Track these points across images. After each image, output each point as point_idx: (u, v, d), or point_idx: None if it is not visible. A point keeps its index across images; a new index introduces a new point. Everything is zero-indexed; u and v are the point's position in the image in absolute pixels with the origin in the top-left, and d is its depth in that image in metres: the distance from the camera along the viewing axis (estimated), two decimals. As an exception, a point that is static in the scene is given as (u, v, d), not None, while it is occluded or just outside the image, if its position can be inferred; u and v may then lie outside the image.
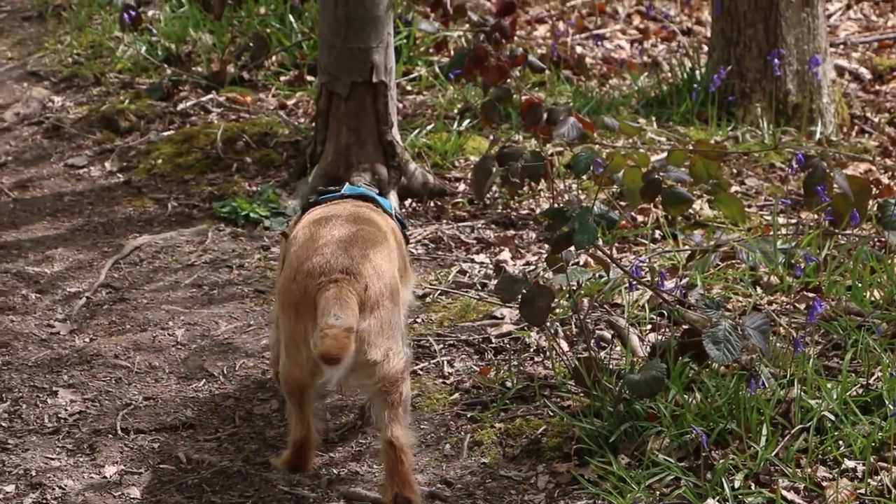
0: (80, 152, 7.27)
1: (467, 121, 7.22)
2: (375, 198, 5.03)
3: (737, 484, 4.32)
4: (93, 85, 7.92)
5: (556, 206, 5.67)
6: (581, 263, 5.71)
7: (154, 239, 6.36)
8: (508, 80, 7.04)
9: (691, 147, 6.18)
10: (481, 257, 6.14)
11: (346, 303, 4.40)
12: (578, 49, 8.39)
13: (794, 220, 6.14)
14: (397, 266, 4.72)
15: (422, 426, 4.89)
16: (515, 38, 7.94)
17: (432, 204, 6.64)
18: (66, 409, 5.02)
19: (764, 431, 4.43)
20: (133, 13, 8.10)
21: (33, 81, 8.01)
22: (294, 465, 4.71)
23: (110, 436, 4.85)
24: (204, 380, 5.24)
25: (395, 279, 4.64)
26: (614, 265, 5.19)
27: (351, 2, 6.46)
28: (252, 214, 6.51)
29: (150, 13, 8.46)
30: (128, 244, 6.32)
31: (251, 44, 7.91)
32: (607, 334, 5.27)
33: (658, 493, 4.32)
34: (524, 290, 4.77)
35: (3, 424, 4.92)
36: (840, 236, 5.65)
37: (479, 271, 6.00)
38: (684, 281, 5.42)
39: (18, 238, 6.42)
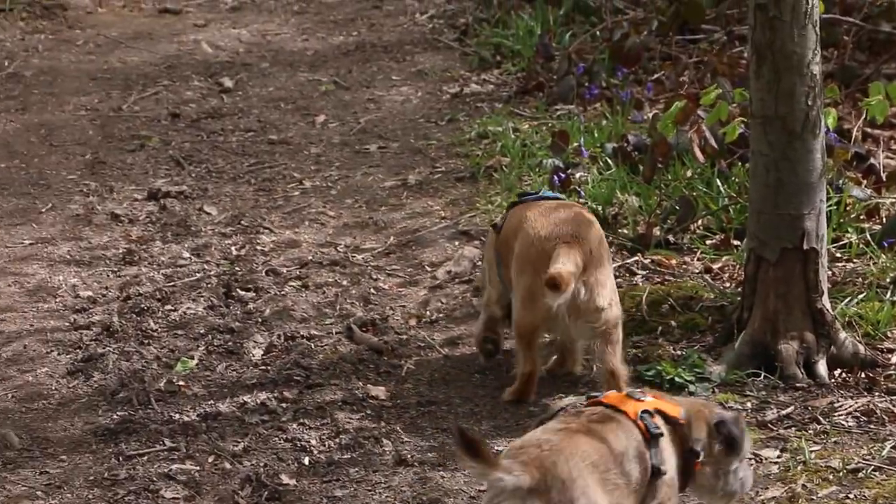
0: (508, 313, 7.43)
1: (901, 290, 7.01)
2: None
3: None
4: (521, 245, 8.09)
5: None
6: None
7: (579, 400, 6.38)
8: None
9: None
10: (917, 433, 5.92)
11: (573, 256, 6.00)
12: None
13: None
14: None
15: None
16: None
17: (863, 375, 6.45)
18: None
19: None
20: (563, 175, 8.29)
21: (464, 240, 8.26)
22: (520, 395, 6.34)
23: None
24: None
25: (608, 248, 6.37)
26: None
27: (783, 168, 6.42)
28: (677, 379, 6.47)
29: (578, 175, 8.64)
30: (554, 406, 6.37)
31: (677, 207, 7.95)
32: None
33: None
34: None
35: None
36: None
37: (915, 448, 5.78)
38: None
39: (448, 395, 6.59)
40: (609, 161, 8.62)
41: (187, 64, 11.90)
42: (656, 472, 4.69)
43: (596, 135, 9.23)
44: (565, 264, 5.96)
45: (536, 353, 6.34)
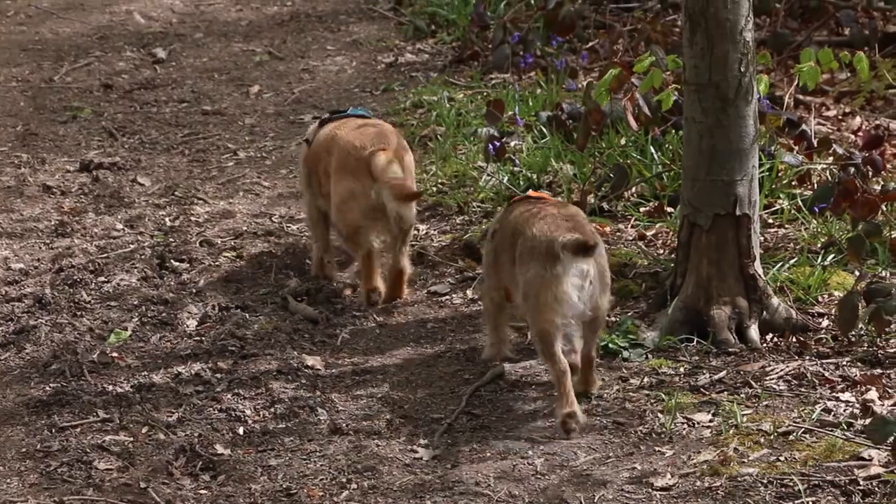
0: (443, 280, 7.43)
1: (831, 255, 7.06)
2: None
3: None
4: (456, 214, 8.11)
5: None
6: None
7: (514, 367, 6.43)
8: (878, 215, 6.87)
9: None
10: (846, 395, 5.97)
11: (395, 163, 7.00)
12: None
13: None
14: None
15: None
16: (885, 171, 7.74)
17: (794, 339, 6.50)
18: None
19: None
20: (497, 144, 8.29)
21: (399, 209, 8.24)
22: (367, 276, 7.10)
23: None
24: (563, 511, 5.25)
25: (412, 159, 7.28)
26: None
27: (716, 134, 6.44)
28: (611, 345, 6.50)
29: (512, 143, 8.64)
30: (489, 372, 6.40)
31: (612, 174, 7.97)
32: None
33: None
34: (897, 434, 4.60)
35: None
36: None
37: (844, 410, 5.83)
38: None
39: (384, 363, 6.60)
40: (544, 129, 8.63)
41: (120, 35, 11.80)
42: None
43: (531, 104, 9.24)
44: (396, 172, 6.98)
45: (367, 241, 7.07)
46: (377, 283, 7.14)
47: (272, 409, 6.15)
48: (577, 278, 5.89)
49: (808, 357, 6.33)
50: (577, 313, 5.91)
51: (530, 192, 6.64)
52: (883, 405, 5.79)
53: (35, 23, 12.11)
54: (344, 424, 6.01)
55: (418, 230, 7.85)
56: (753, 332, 6.50)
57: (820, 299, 6.80)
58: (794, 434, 5.68)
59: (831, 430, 5.64)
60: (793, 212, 7.59)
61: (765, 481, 5.37)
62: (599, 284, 5.99)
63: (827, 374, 6.16)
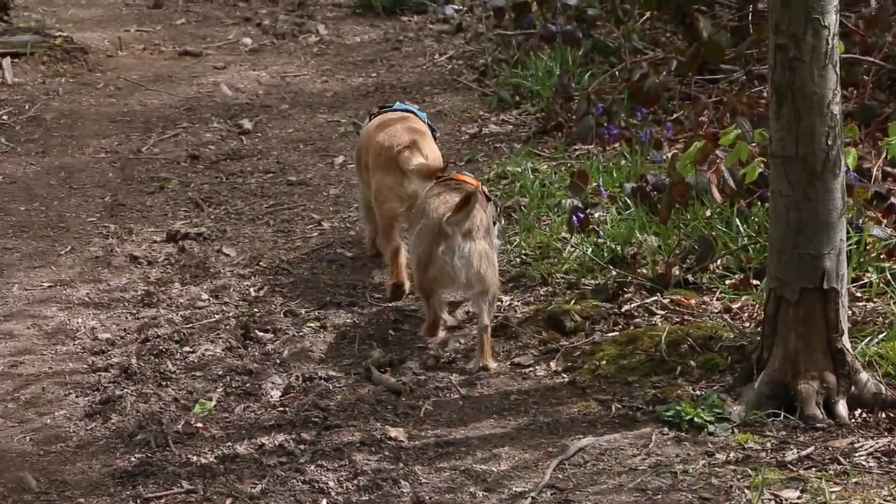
0: (527, 351, 7.41)
1: (922, 329, 6.97)
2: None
3: None
4: (539, 285, 8.09)
5: None
6: None
7: (598, 441, 6.38)
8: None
9: None
10: (939, 474, 5.87)
11: (416, 153, 8.13)
12: None
13: None
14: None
15: None
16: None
17: (884, 415, 6.41)
18: None
19: None
20: (581, 215, 8.27)
21: (483, 281, 8.24)
22: (395, 278, 8.10)
23: None
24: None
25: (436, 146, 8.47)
26: None
27: (803, 207, 6.39)
28: (696, 419, 6.44)
29: (596, 215, 8.62)
30: (572, 445, 6.36)
31: (696, 246, 7.93)
32: None
33: None
34: None
35: None
36: None
37: (936, 488, 5.74)
38: None
39: (466, 435, 6.57)
40: (628, 201, 8.61)
41: (207, 106, 11.94)
42: None
43: (615, 175, 9.23)
44: (419, 161, 7.99)
45: (397, 239, 8.06)
46: (403, 278, 7.97)
47: (355, 481, 6.14)
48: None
49: (898, 433, 6.24)
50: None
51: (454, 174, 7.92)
52: (976, 484, 5.69)
53: (124, 95, 12.29)
54: (427, 497, 5.99)
55: (502, 301, 7.84)
56: (842, 407, 6.42)
57: (910, 374, 6.71)
58: (884, 512, 5.59)
59: (923, 509, 5.56)
60: (881, 285, 7.50)
61: (855, 560, 5.29)
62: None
63: (918, 450, 6.07)
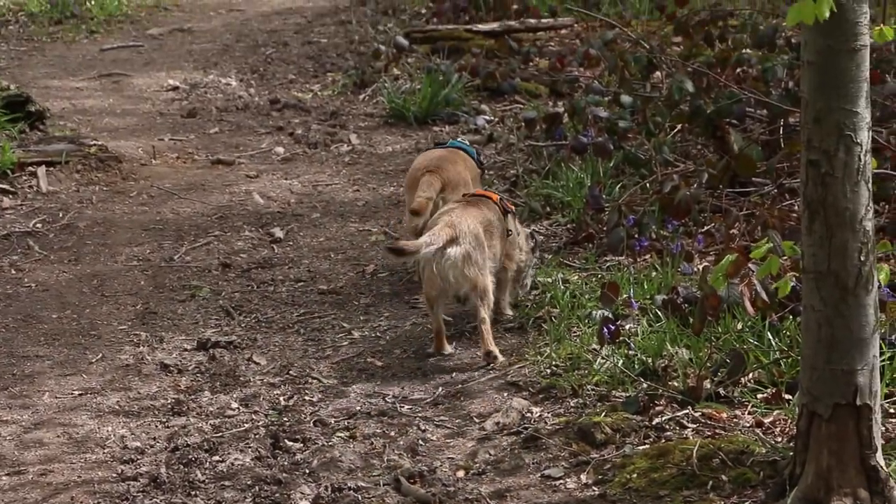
0: (557, 463, 7.36)
1: (956, 446, 6.90)
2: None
3: None
4: (570, 396, 8.06)
5: None
6: None
7: None
8: None
9: None
10: None
11: (433, 182, 9.53)
12: None
13: None
14: None
15: None
16: None
17: (920, 534, 6.34)
18: None
19: None
20: (612, 327, 8.26)
21: (513, 392, 8.23)
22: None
23: None
24: None
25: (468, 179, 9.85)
26: None
27: (835, 323, 6.37)
28: (729, 536, 6.38)
29: (628, 326, 8.61)
30: (603, 561, 6.30)
31: (728, 360, 7.90)
32: None
33: None
34: None
35: None
36: None
37: None
38: None
39: (496, 550, 6.53)
40: (659, 313, 8.60)
41: (239, 214, 12.02)
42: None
43: (646, 286, 9.23)
44: (425, 192, 9.18)
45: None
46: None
47: None
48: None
49: (934, 552, 6.15)
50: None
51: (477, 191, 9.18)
52: None
53: (157, 203, 12.38)
54: None
55: (532, 412, 7.81)
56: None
57: (945, 492, 6.62)
58: None
59: None
60: (915, 400, 7.45)
61: None
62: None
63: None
